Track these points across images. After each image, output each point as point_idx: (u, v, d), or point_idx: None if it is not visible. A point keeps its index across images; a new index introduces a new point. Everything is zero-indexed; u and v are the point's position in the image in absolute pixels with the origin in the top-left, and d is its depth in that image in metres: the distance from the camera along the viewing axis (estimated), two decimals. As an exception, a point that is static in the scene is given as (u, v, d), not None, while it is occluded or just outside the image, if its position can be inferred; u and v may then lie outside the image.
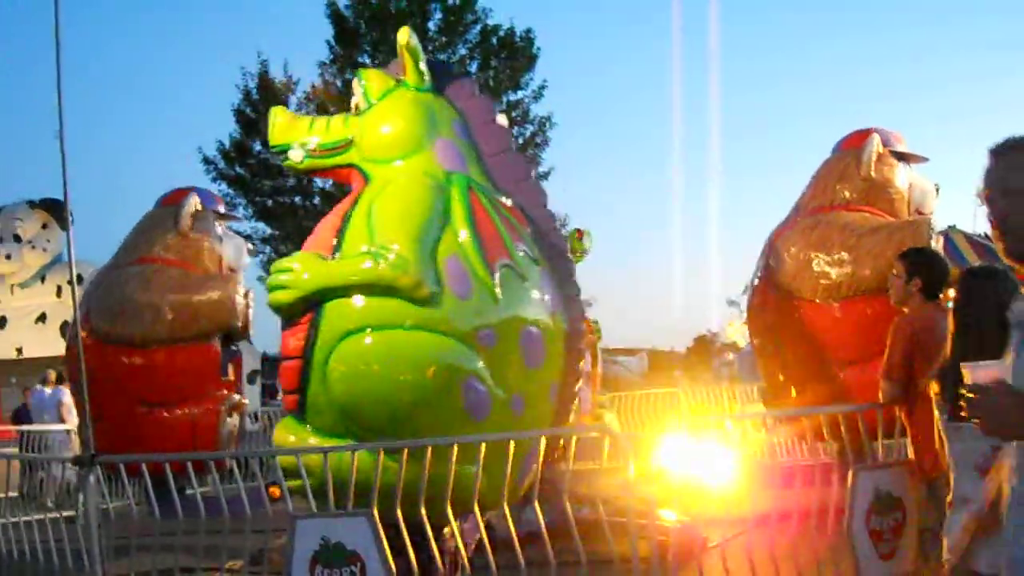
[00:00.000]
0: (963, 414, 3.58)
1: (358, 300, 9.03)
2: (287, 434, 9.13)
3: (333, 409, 8.93)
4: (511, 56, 46.16)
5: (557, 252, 10.43)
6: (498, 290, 9.35)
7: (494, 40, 46.61)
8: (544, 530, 7.93)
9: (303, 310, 9.06)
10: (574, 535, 7.79)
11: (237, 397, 16.88)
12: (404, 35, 10.01)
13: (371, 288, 9.04)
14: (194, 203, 17.19)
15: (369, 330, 8.98)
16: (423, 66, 10.20)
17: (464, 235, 9.41)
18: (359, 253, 9.10)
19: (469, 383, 8.99)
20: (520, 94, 47.42)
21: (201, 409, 16.05)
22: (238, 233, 20.81)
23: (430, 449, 8.23)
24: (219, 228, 17.68)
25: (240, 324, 16.52)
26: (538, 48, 46.87)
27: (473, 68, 46.56)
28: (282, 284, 9.03)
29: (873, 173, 14.60)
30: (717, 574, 8.05)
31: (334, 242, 9.33)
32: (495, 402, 9.07)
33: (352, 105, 10.21)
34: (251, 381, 18.63)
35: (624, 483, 8.16)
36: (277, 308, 9.14)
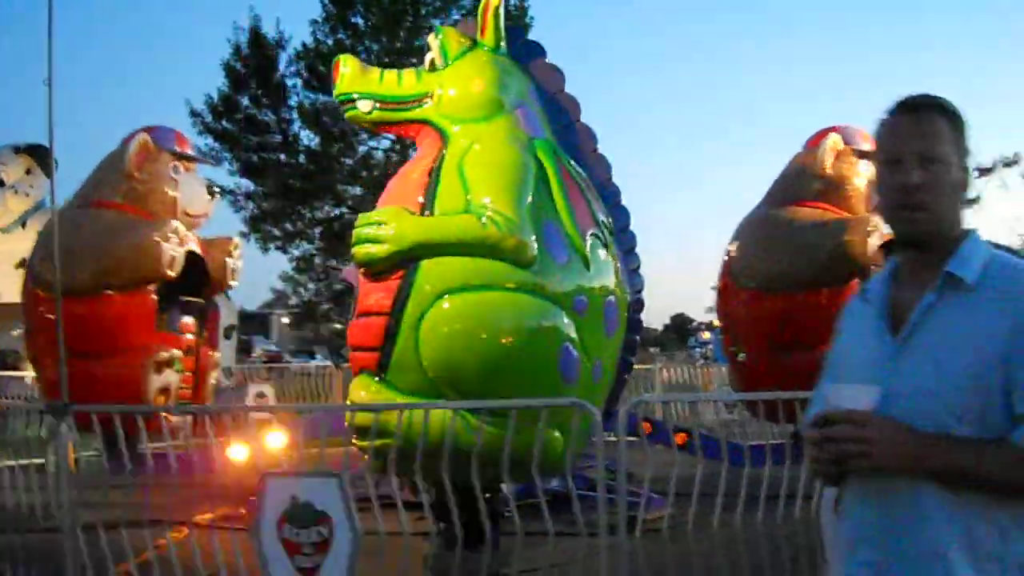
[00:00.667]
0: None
1: (458, 259, 9.20)
2: (364, 392, 9.32)
3: (422, 368, 9.10)
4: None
5: (622, 224, 10.63)
6: (590, 257, 9.68)
7: (487, 7, 46.52)
8: (511, 501, 7.99)
9: (393, 267, 9.23)
10: (542, 506, 7.83)
11: (173, 352, 15.99)
12: None
13: (472, 247, 9.22)
14: (141, 141, 16.31)
15: (470, 290, 9.18)
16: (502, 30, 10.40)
17: (559, 201, 9.67)
18: (461, 212, 9.32)
19: (565, 347, 9.28)
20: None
21: (127, 363, 15.16)
22: (222, 188, 20.27)
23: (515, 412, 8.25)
24: (176, 169, 16.61)
25: (170, 272, 15.43)
26: (531, 18, 46.72)
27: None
28: (376, 238, 9.20)
29: (829, 170, 15.43)
30: (684, 550, 8.08)
31: (420, 199, 9.54)
32: (583, 367, 9.37)
33: (427, 61, 10.40)
34: (227, 336, 18.36)
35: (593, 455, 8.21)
36: (369, 262, 9.30)
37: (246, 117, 46.52)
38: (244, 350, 32.20)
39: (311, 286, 48.86)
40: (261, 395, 20.02)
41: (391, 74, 10.49)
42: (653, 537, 8.41)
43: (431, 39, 10.55)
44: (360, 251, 9.34)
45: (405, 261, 9.24)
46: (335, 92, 10.57)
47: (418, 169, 10.07)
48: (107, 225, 15.60)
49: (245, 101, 46.82)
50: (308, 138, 47.47)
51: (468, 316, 9.20)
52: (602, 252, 9.99)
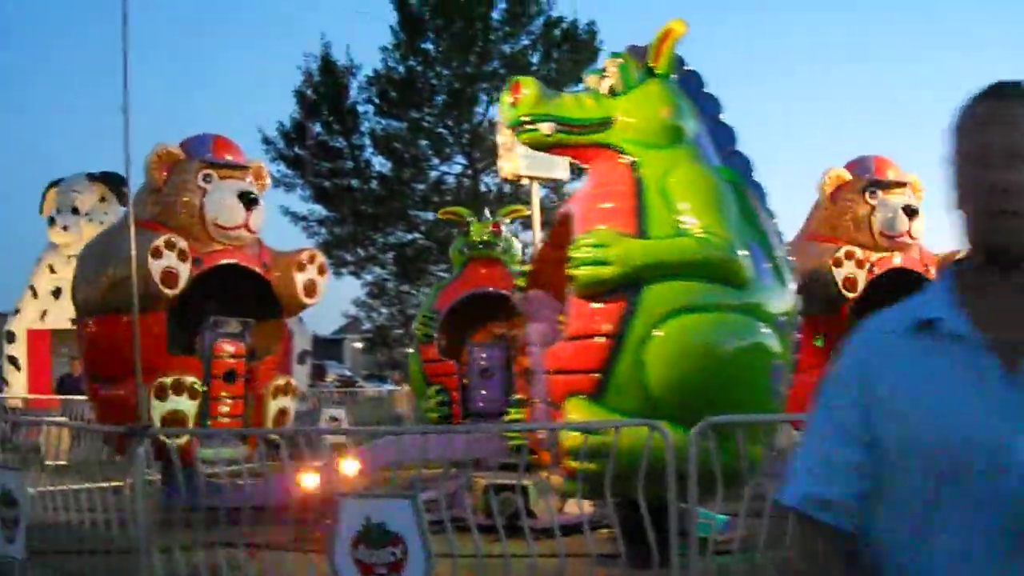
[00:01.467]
0: None
1: (680, 281, 9.40)
2: (582, 415, 9.34)
3: (644, 388, 9.23)
4: (574, 48, 46.05)
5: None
6: (785, 278, 10.04)
7: (557, 32, 46.54)
8: (586, 523, 7.96)
9: (614, 289, 9.40)
10: (616, 529, 7.80)
11: (184, 378, 14.19)
12: (682, 26, 10.40)
13: (694, 268, 9.44)
14: (158, 151, 15.06)
15: (693, 311, 9.35)
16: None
17: (758, 225, 9.97)
18: (679, 235, 9.57)
19: (775, 365, 9.54)
20: (582, 86, 47.37)
21: (129, 387, 14.09)
22: (294, 214, 18.71)
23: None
24: (208, 178, 14.98)
25: (166, 290, 13.98)
26: (601, 41, 46.74)
27: (535, 60, 46.57)
28: (602, 259, 9.34)
29: (832, 203, 15.98)
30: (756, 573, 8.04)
31: (634, 222, 9.71)
32: (783, 383, 9.69)
33: (606, 87, 10.53)
34: (301, 362, 18.01)
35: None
36: (593, 283, 9.44)
37: (318, 143, 46.82)
38: (317, 375, 32.24)
39: (383, 311, 49.07)
40: (334, 419, 20.13)
41: (571, 97, 10.70)
42: (725, 560, 8.36)
43: (609, 63, 10.68)
44: (585, 272, 9.46)
45: (627, 283, 9.41)
46: (513, 114, 10.60)
47: (611, 194, 10.22)
48: (117, 243, 14.37)
49: (317, 128, 47.12)
50: (380, 164, 47.74)
51: (693, 336, 9.33)
52: (787, 273, 10.24)
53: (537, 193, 19.83)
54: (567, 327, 9.89)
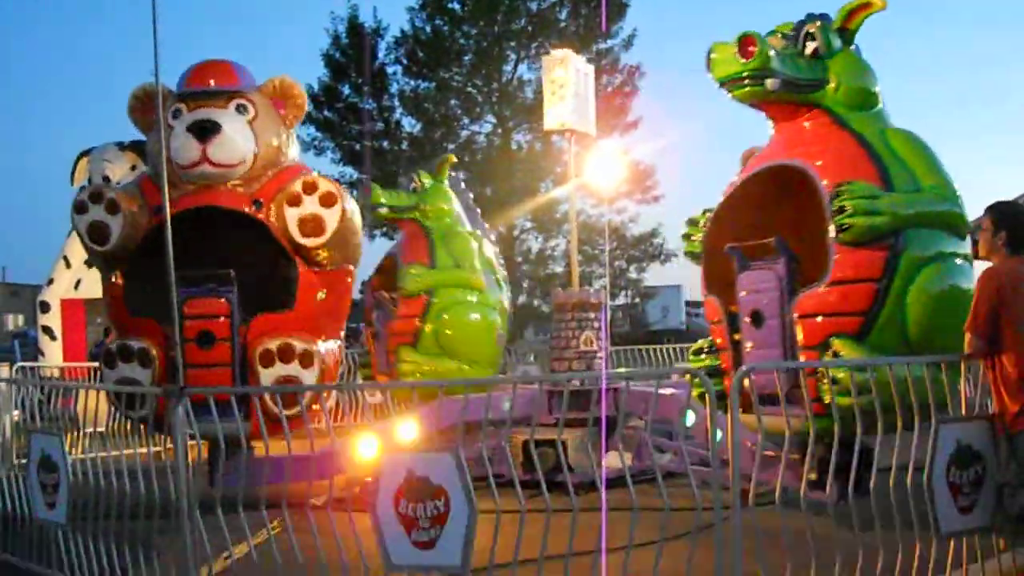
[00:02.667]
0: None
1: (929, 231, 10.64)
2: (851, 353, 10.18)
3: (901, 329, 10.39)
4: (600, 5, 45.89)
5: None
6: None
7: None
8: (628, 475, 7.96)
9: (878, 237, 10.37)
10: (659, 481, 7.80)
11: (130, 343, 13.00)
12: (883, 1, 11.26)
13: (937, 220, 10.72)
14: (135, 93, 13.76)
15: (940, 259, 10.63)
16: None
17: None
18: (922, 191, 10.74)
19: None
20: (610, 43, 47.22)
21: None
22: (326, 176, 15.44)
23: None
24: (177, 113, 13.32)
25: (93, 245, 13.13)
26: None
27: (563, 15, 46.44)
28: (875, 209, 10.26)
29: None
30: (796, 520, 8.02)
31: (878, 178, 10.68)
32: None
33: (809, 49, 11.34)
34: None
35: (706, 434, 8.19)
36: (866, 232, 10.32)
37: (347, 105, 46.78)
38: (352, 335, 32.14)
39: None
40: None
41: (789, 56, 11.25)
42: (767, 509, 8.35)
43: (814, 28, 11.34)
44: (861, 222, 10.24)
45: (890, 232, 10.35)
46: (742, 67, 11.04)
47: (829, 151, 11.09)
48: None
49: (346, 89, 47.07)
50: (410, 124, 47.69)
51: (942, 281, 10.53)
52: None
53: (573, 148, 19.81)
54: (832, 273, 10.61)
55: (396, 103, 47.82)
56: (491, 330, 19.82)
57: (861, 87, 11.36)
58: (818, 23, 11.23)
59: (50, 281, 25.37)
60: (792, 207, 11.58)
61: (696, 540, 7.58)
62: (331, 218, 13.03)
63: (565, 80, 17.83)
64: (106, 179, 26.58)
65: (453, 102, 47.38)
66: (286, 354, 12.77)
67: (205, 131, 12.97)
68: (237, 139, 13.20)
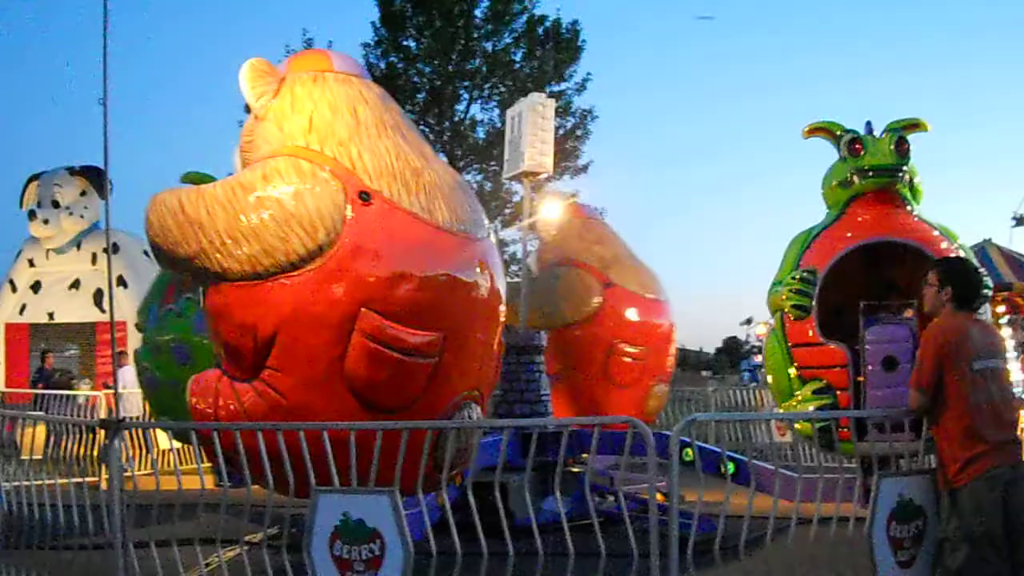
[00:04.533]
0: None
1: None
2: None
3: None
4: (556, 47, 46.00)
5: None
6: None
7: (540, 30, 46.48)
8: (564, 520, 7.94)
9: None
10: (595, 527, 7.79)
11: None
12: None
13: None
14: None
15: None
16: None
17: None
18: None
19: None
20: (563, 86, 47.35)
21: None
22: None
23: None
24: None
25: None
26: (583, 40, 46.76)
27: (518, 57, 46.55)
28: None
29: None
30: (735, 573, 8.03)
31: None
32: None
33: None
34: None
35: (647, 478, 8.17)
36: None
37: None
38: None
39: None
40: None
41: None
42: (705, 559, 8.36)
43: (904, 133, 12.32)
44: None
45: None
46: (887, 162, 12.25)
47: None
48: None
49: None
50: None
51: None
52: None
53: (528, 191, 19.83)
54: None
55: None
56: None
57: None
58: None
59: (-6, 305, 25.32)
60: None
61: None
62: None
63: (547, 125, 18.00)
64: (55, 203, 26.52)
65: (405, 139, 47.44)
66: None
67: None
68: None
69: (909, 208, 12.45)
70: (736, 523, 8.36)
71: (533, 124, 17.84)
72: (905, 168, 12.27)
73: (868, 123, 12.55)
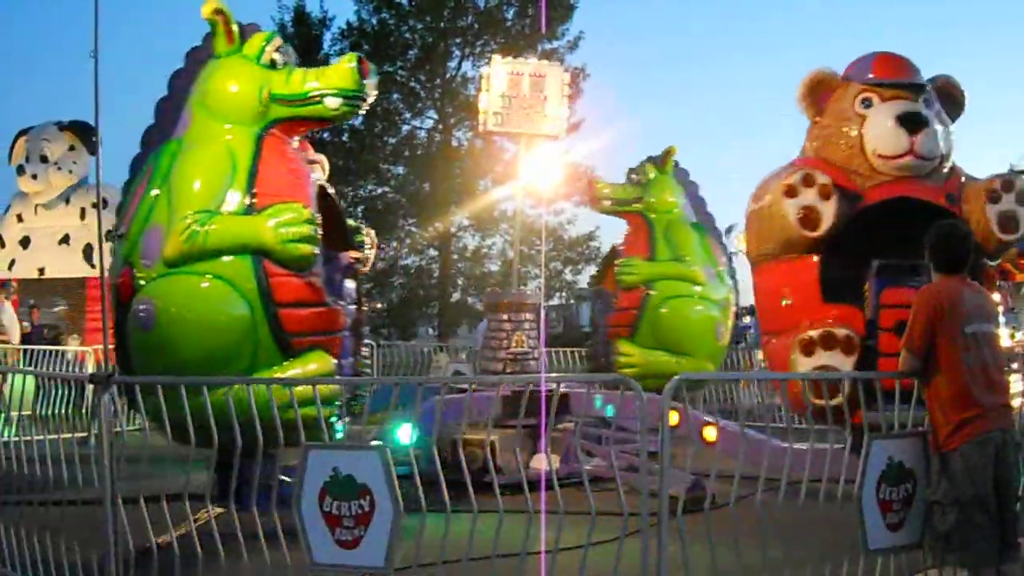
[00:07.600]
0: None
1: None
2: None
3: None
4: (548, 4, 45.86)
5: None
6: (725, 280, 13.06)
7: (533, -14, 46.36)
8: (556, 479, 7.94)
9: None
10: (585, 486, 7.79)
11: (841, 332, 12.22)
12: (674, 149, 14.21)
13: None
14: (808, 80, 13.52)
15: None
16: None
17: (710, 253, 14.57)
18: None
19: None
20: (555, 44, 47.21)
21: (783, 341, 13.16)
22: None
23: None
24: (867, 102, 13.12)
25: (807, 233, 12.51)
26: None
27: (509, 15, 46.41)
28: None
29: (817, 117, 13.64)
30: (724, 532, 8.02)
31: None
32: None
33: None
34: None
35: (637, 438, 8.16)
36: None
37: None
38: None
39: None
40: (458, 372, 20.66)
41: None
42: (696, 516, 8.36)
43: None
44: None
45: None
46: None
47: None
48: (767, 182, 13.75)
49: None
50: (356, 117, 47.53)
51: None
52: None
53: (522, 148, 19.84)
54: None
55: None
56: (709, 324, 20.18)
57: None
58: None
59: (-16, 260, 25.23)
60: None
61: (623, 546, 7.57)
62: None
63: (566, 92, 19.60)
64: (44, 159, 26.40)
65: (396, 96, 47.25)
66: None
67: (916, 123, 12.75)
68: (939, 133, 12.98)
69: None
70: (726, 484, 8.39)
71: (559, 91, 18.38)
72: None
73: None
